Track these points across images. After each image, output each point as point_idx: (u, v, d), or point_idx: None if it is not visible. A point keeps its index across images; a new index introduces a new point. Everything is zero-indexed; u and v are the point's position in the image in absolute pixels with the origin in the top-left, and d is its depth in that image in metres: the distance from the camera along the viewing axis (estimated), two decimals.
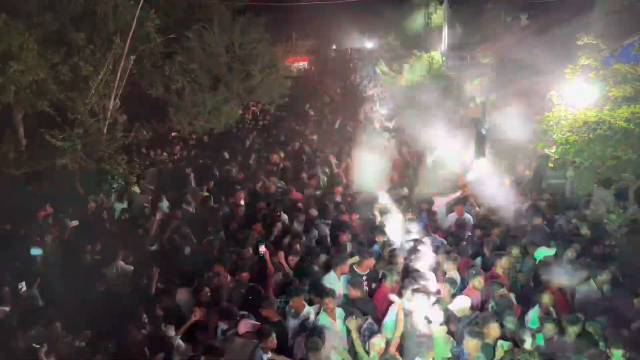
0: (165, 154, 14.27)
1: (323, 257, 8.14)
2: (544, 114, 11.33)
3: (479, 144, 13.06)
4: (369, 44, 28.12)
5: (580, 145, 9.91)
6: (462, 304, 6.64)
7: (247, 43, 16.66)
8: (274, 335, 5.85)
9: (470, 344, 5.77)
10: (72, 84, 11.11)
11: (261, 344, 5.79)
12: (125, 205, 10.68)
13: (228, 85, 16.06)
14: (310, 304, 6.78)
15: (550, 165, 12.04)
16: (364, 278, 7.50)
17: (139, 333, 6.01)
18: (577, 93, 10.57)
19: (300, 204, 10.36)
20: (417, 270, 7.37)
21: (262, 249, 7.91)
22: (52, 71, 10.72)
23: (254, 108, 18.19)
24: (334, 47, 26.26)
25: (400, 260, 7.74)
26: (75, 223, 9.25)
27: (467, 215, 10.28)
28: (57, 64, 10.82)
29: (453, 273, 7.62)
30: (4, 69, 9.80)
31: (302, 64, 25.52)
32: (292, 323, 6.58)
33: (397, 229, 9.09)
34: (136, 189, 11.47)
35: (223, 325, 6.49)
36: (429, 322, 6.32)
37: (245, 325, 6.27)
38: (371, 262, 7.72)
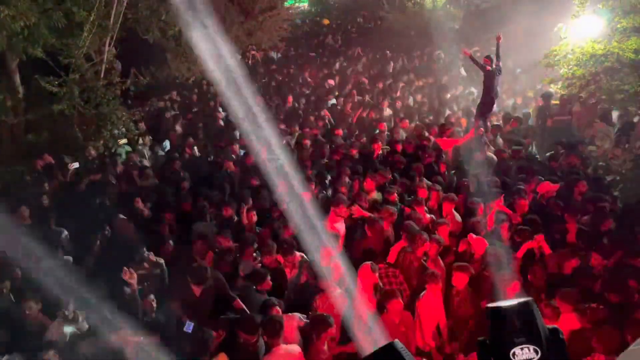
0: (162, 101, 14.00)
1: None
2: (550, 49, 11.05)
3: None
4: None
5: (587, 79, 9.68)
6: None
7: None
8: (268, 277, 5.81)
9: None
10: (66, 30, 10.87)
11: (257, 287, 5.80)
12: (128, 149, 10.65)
13: (226, 29, 15.64)
14: None
15: (556, 102, 11.85)
16: None
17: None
18: (585, 25, 10.24)
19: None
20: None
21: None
22: (45, 17, 10.46)
23: (253, 52, 17.80)
24: None
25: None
26: (76, 165, 9.20)
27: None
28: (49, 9, 10.55)
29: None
30: None
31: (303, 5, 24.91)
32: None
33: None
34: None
35: None
36: None
37: (244, 268, 6.29)
38: None
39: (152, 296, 5.63)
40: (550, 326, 2.53)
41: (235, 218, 7.49)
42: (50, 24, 10.45)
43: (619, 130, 10.00)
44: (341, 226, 7.21)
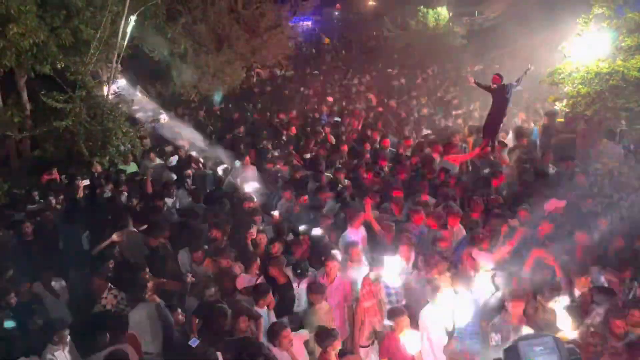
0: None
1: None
2: (555, 67, 11.10)
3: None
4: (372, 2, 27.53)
5: (592, 97, 9.71)
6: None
7: (251, 2, 16.37)
8: (270, 293, 5.74)
9: None
10: (73, 47, 10.96)
11: (258, 301, 5.71)
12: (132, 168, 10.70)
13: (231, 46, 15.81)
14: None
15: (560, 120, 11.87)
16: None
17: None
18: (590, 44, 10.29)
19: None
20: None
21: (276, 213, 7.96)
22: (53, 35, 10.56)
23: (258, 69, 17.95)
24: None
25: None
26: (86, 182, 9.23)
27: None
28: (58, 27, 10.66)
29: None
30: (4, 32, 9.66)
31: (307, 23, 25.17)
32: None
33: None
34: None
35: None
36: None
37: (244, 280, 6.23)
38: None
39: (180, 310, 5.61)
40: (567, 346, 2.54)
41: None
42: (58, 41, 10.57)
43: (625, 148, 9.99)
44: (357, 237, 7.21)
